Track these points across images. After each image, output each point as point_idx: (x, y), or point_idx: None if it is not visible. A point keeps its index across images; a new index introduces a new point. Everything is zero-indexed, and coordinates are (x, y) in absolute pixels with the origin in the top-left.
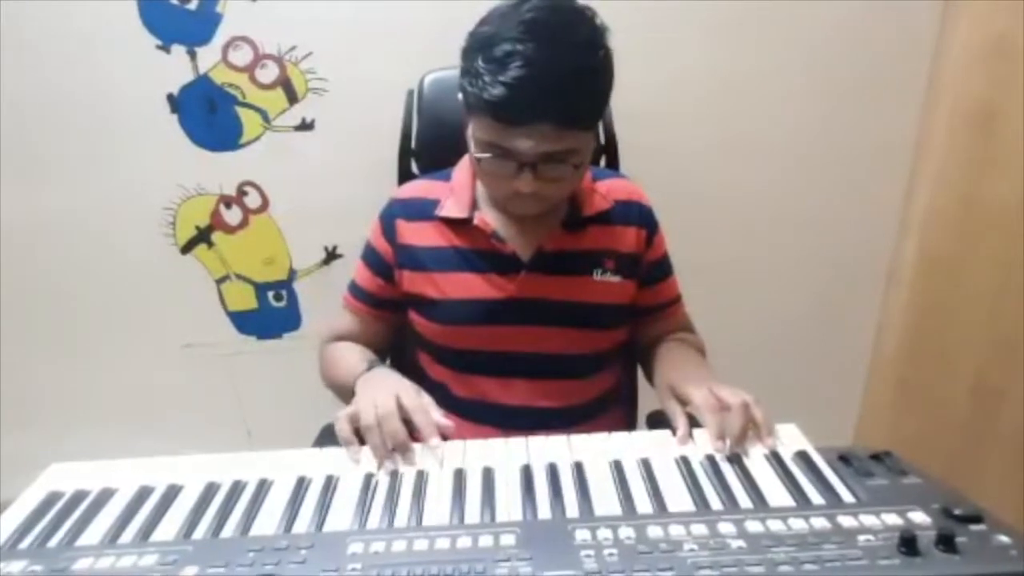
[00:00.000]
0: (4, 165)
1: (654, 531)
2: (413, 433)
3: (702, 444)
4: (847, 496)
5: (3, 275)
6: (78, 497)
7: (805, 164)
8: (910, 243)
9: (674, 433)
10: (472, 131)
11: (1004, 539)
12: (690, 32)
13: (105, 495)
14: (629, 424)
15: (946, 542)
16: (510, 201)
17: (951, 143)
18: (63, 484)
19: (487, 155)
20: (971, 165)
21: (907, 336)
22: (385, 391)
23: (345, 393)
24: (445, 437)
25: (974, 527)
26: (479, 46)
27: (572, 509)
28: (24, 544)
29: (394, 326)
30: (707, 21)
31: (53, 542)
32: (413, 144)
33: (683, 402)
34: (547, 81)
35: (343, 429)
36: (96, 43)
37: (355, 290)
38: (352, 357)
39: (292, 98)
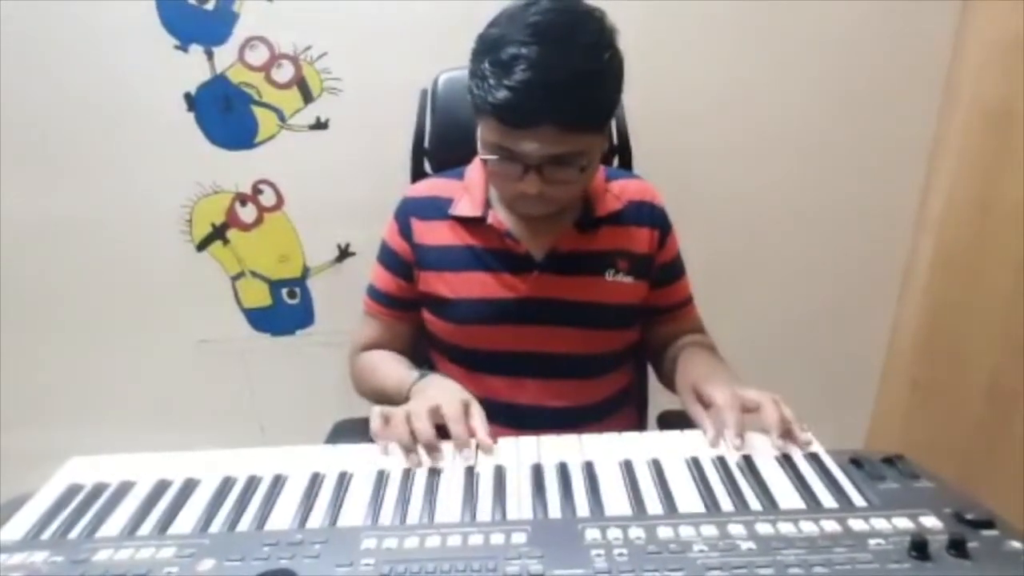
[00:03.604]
0: (23, 163)
1: (664, 531)
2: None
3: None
4: (858, 499)
5: (21, 272)
6: (98, 490)
7: (821, 164)
8: (926, 243)
9: (699, 435)
10: (480, 133)
11: (1016, 545)
12: (705, 31)
13: (124, 488)
14: (639, 425)
15: (957, 547)
16: (517, 202)
17: (968, 142)
18: (83, 477)
19: (494, 157)
20: (988, 164)
21: (922, 337)
22: (429, 398)
23: (391, 402)
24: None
25: (986, 532)
26: (486, 48)
27: (583, 508)
28: (45, 535)
29: (418, 326)
30: (722, 20)
31: (73, 534)
32: (426, 143)
33: (706, 404)
34: (551, 84)
35: (374, 424)
36: (115, 43)
37: (374, 294)
38: (394, 366)
39: (307, 97)
